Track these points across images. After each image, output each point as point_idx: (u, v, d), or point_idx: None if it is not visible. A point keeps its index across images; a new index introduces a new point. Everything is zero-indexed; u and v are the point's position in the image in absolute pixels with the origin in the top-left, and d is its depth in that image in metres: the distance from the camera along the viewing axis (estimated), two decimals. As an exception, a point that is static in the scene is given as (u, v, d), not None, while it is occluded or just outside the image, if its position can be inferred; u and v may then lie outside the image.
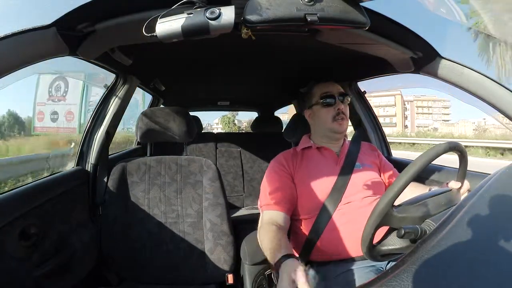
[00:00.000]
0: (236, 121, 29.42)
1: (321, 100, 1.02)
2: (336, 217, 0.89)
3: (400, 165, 1.12)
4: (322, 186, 0.95)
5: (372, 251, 0.60)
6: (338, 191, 0.93)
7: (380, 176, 1.04)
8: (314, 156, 1.03)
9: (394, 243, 0.59)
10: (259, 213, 0.96)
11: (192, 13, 0.58)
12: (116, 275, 1.08)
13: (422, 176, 1.19)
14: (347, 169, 0.97)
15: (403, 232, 0.52)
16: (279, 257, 0.68)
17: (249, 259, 1.08)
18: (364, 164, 1.02)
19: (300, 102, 2.36)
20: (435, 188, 0.74)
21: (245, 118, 28.89)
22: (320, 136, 1.07)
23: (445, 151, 0.58)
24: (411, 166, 0.56)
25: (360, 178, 0.96)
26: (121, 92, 1.28)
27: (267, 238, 0.82)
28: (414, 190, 0.86)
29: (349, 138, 1.14)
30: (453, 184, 0.69)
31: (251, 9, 0.59)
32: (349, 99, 1.06)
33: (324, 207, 0.91)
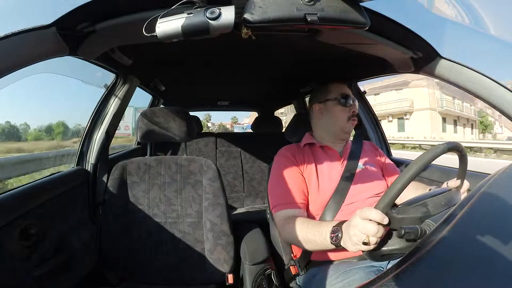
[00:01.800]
0: (210, 124, 34.44)
1: (341, 99, 1.02)
2: (339, 218, 0.88)
3: (400, 165, 1.12)
4: (325, 187, 0.94)
5: (373, 252, 0.60)
6: (341, 192, 0.92)
7: (383, 175, 1.03)
8: (318, 154, 1.02)
9: (394, 243, 0.59)
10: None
11: (192, 13, 0.58)
12: (116, 275, 1.08)
13: (422, 176, 1.19)
14: (350, 170, 0.97)
15: (403, 232, 0.52)
16: (332, 228, 0.69)
17: (249, 259, 1.08)
18: (366, 164, 1.01)
19: (299, 101, 2.37)
20: (434, 189, 0.74)
21: (216, 122, 35.62)
22: (327, 133, 1.06)
23: (443, 152, 0.58)
24: (408, 169, 0.56)
25: (363, 179, 0.96)
26: (121, 92, 1.28)
27: (299, 228, 0.80)
28: (413, 191, 0.86)
29: (351, 138, 1.14)
30: (452, 183, 0.69)
31: (251, 9, 0.58)
32: (357, 105, 1.06)
33: (327, 208, 0.91)
